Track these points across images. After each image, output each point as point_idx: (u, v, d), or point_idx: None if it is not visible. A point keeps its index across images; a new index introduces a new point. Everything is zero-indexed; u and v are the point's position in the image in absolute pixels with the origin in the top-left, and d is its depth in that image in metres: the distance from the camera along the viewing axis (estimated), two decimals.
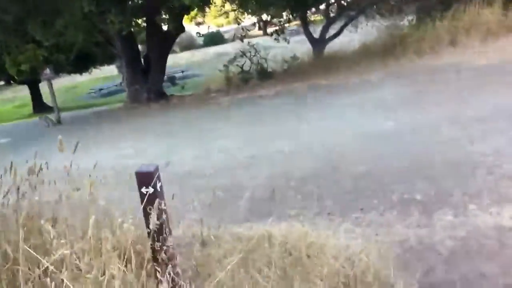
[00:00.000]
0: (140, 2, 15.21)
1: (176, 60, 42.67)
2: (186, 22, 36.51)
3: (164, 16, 14.66)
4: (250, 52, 16.52)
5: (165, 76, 32.16)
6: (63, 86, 35.33)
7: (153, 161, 7.12)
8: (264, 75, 15.94)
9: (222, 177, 6.33)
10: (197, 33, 29.08)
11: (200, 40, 47.66)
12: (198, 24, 34.67)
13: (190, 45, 48.43)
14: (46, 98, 32.49)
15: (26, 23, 13.23)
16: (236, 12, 18.42)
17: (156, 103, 14.52)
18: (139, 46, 17.20)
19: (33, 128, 15.01)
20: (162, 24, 14.96)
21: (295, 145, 7.17)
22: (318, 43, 17.10)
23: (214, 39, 46.41)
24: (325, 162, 6.15)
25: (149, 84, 15.23)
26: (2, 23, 13.12)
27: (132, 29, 14.57)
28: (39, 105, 29.56)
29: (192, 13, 20.57)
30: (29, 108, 28.31)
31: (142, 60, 16.28)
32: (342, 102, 9.41)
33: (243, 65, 16.56)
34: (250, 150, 7.29)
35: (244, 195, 5.47)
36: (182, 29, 16.03)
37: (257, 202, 5.21)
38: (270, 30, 23.33)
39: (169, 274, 2.81)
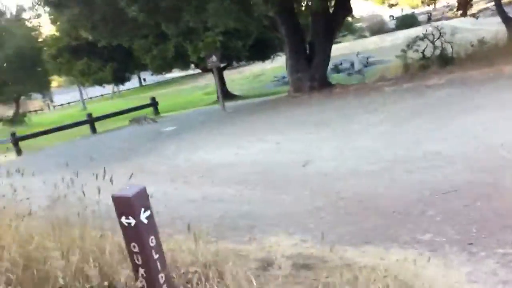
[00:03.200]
0: None
1: (364, 45, 41.79)
2: (377, 3, 35.35)
3: None
4: (433, 35, 14.99)
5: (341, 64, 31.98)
6: (251, 73, 37.08)
7: (293, 158, 6.88)
8: (444, 61, 14.41)
9: (358, 181, 5.62)
10: (390, 16, 27.49)
11: (392, 24, 45.82)
12: (391, 5, 33.24)
13: (380, 29, 46.91)
14: (231, 86, 34.77)
15: (181, 9, 13.52)
16: None
17: (318, 92, 14.01)
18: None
19: (202, 116, 15.75)
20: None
21: (451, 146, 6.07)
22: None
23: (407, 21, 43.98)
24: (492, 170, 5.00)
25: (312, 72, 14.73)
26: (159, 9, 13.51)
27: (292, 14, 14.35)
28: (223, 92, 31.39)
29: None
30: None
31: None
32: None
33: (424, 50, 15.17)
34: (392, 151, 6.42)
35: (373, 207, 4.72)
36: (349, 11, 15.24)
37: (385, 218, 4.42)
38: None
39: None
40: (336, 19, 15.13)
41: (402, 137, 7.09)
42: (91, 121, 17.88)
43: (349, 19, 66.47)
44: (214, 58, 14.85)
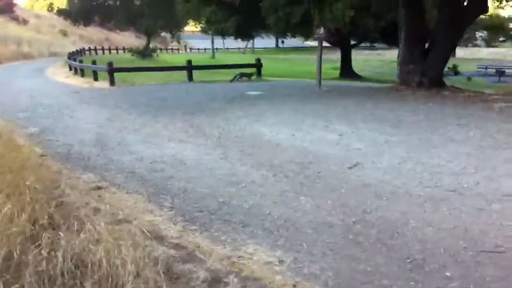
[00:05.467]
0: None
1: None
2: None
3: None
4: None
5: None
6: (390, 57, 35.02)
7: (346, 156, 5.85)
8: None
9: (397, 205, 4.47)
10: None
11: None
12: None
13: None
14: (361, 66, 33.24)
15: None
16: None
17: (426, 90, 12.35)
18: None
19: (295, 88, 14.83)
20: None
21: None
22: None
23: None
24: None
25: (425, 66, 12.97)
26: None
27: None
28: (346, 70, 30.13)
29: None
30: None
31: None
32: None
33: None
34: (456, 180, 5.09)
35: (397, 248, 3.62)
36: (483, 9, 13.20)
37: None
38: None
39: None
40: (467, 13, 13.10)
41: (480, 164, 5.67)
42: (189, 68, 17.76)
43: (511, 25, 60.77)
44: (322, 30, 13.68)
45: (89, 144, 7.39)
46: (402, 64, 13.45)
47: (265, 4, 28.35)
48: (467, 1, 13.43)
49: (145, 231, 3.60)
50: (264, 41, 57.39)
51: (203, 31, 42.09)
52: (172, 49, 64.11)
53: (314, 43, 41.80)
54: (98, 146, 7.27)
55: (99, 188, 5.21)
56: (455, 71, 29.58)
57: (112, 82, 16.11)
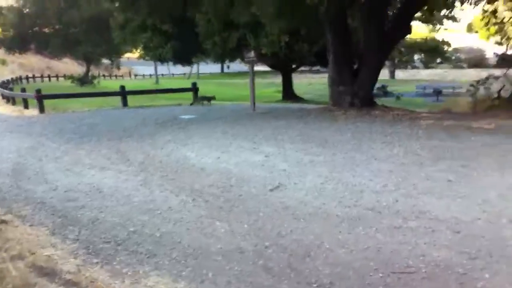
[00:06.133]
0: None
1: (458, 75, 39.40)
2: (482, 38, 33.37)
3: None
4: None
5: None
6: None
7: (269, 177, 5.70)
8: (505, 103, 12.76)
9: (314, 226, 4.35)
10: (494, 53, 25.56)
11: (493, 60, 44.04)
12: (499, 43, 32.16)
13: (479, 63, 44.74)
14: (306, 89, 33.69)
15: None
16: None
17: (357, 110, 12.53)
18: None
19: (230, 111, 14.72)
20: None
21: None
22: None
23: (510, 60, 41.51)
24: None
25: (355, 87, 13.21)
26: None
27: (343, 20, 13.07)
28: (288, 93, 30.59)
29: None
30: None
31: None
32: None
33: (501, 89, 13.73)
34: (375, 199, 5.05)
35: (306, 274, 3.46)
36: (407, 30, 13.71)
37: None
38: None
39: None
40: (391, 34, 13.53)
41: (400, 181, 5.67)
42: (122, 93, 17.35)
43: (446, 48, 64.09)
44: (252, 53, 13.73)
45: (4, 174, 6.93)
46: (333, 86, 13.65)
47: (201, 30, 28.39)
48: (391, 23, 13.85)
49: (39, 267, 3.30)
50: (210, 67, 57.51)
51: (141, 57, 41.67)
52: (116, 76, 63.21)
53: (262, 67, 42.36)
54: (13, 176, 6.82)
55: (2, 222, 4.82)
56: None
57: (41, 110, 15.48)
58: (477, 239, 3.97)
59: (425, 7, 15.21)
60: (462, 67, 57.94)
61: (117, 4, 15.14)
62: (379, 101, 15.49)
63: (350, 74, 13.48)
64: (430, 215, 4.55)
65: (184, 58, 37.28)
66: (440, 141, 7.79)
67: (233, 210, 5.00)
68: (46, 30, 49.99)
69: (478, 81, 14.79)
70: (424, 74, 57.22)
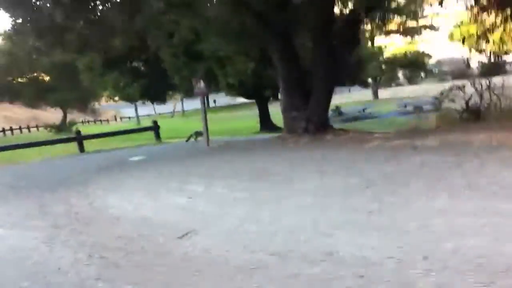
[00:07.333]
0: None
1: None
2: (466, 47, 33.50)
3: None
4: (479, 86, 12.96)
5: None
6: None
7: (186, 222, 5.18)
8: (472, 116, 12.64)
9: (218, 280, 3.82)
10: (478, 61, 25.37)
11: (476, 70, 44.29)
12: (480, 51, 32.44)
13: (462, 74, 44.93)
14: (277, 118, 33.03)
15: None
16: None
17: (311, 136, 12.07)
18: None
19: (182, 149, 14.24)
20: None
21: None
22: None
23: (492, 69, 41.44)
24: None
25: (309, 112, 12.70)
26: None
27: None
28: (265, 124, 29.97)
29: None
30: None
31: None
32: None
33: (467, 101, 13.13)
34: (302, 237, 4.54)
35: None
36: (355, 42, 13.41)
37: None
38: None
39: None
40: (339, 50, 12.94)
41: (318, 216, 5.18)
42: (79, 139, 16.80)
43: (426, 60, 64.24)
44: (201, 84, 13.24)
45: None
46: (285, 112, 13.20)
47: (167, 65, 28.13)
48: (337, 38, 13.16)
49: None
50: (195, 103, 56.78)
51: (109, 98, 41.37)
52: (101, 120, 62.72)
53: (249, 100, 41.82)
54: None
55: None
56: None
57: None
58: (379, 285, 3.47)
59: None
60: (446, 80, 57.39)
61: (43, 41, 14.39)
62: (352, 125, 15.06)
63: (302, 99, 12.95)
64: (338, 257, 4.04)
65: (155, 96, 36.87)
66: (375, 164, 7.34)
67: (127, 266, 4.46)
68: (20, 79, 49.78)
69: (441, 93, 14.39)
70: (408, 90, 56.68)
